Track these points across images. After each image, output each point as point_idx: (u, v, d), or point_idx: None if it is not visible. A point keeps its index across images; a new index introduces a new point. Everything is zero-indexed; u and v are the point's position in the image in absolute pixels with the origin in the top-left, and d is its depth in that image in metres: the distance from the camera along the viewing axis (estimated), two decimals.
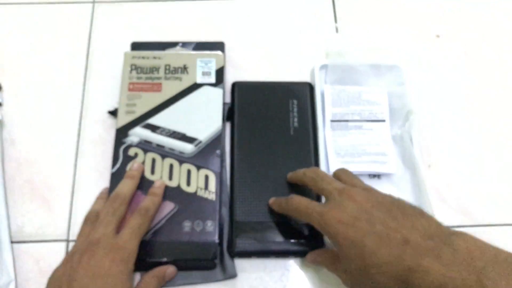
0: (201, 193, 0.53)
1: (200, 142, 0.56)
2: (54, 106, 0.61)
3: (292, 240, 0.52)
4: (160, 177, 0.54)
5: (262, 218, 0.53)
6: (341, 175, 0.50)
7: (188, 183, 0.53)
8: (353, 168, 0.56)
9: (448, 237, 0.40)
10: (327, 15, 0.68)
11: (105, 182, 0.55)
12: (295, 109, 0.59)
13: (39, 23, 0.67)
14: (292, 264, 0.54)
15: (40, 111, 0.61)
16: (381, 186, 0.56)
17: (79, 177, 0.58)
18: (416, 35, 0.67)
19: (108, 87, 0.62)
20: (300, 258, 0.54)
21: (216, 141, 0.56)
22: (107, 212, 0.49)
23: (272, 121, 0.58)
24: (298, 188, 0.54)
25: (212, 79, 0.60)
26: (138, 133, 0.56)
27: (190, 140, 0.56)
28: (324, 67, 0.62)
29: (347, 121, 0.59)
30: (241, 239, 0.52)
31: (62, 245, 0.54)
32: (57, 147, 0.59)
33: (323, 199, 0.49)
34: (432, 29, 0.68)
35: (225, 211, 0.54)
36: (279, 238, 0.52)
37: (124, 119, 0.57)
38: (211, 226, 0.52)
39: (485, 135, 0.61)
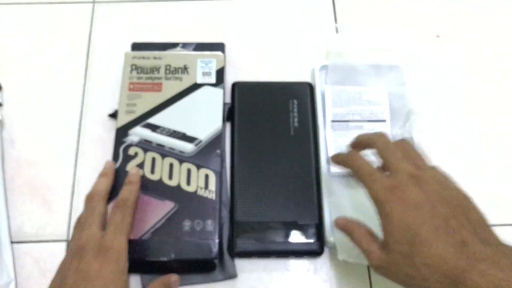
0: (201, 192, 0.53)
1: (200, 141, 0.56)
2: (54, 106, 0.61)
3: (292, 240, 0.52)
4: (160, 177, 0.54)
5: (262, 218, 0.53)
6: (405, 147, 0.47)
7: (188, 183, 0.53)
8: None
9: (505, 247, 0.39)
10: (327, 15, 0.68)
11: None
12: (295, 109, 0.59)
13: (39, 23, 0.67)
14: (292, 264, 0.54)
15: (40, 111, 0.61)
16: None
17: (79, 177, 0.58)
18: (416, 35, 0.67)
19: (108, 87, 0.62)
20: (300, 258, 0.54)
21: (216, 141, 0.56)
22: (86, 214, 0.49)
23: (272, 121, 0.58)
24: (298, 188, 0.54)
25: (213, 79, 0.60)
26: (138, 133, 0.56)
27: (190, 139, 0.56)
28: (324, 67, 0.62)
29: (347, 121, 0.59)
30: (241, 239, 0.52)
31: (62, 245, 0.54)
32: (57, 147, 0.59)
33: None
34: (432, 29, 0.68)
35: (225, 211, 0.54)
36: (279, 238, 0.52)
37: (124, 118, 0.57)
38: (211, 225, 0.52)
39: (485, 135, 0.61)
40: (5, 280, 0.51)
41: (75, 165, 0.58)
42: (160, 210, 0.52)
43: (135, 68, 0.60)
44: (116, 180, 0.53)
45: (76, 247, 0.46)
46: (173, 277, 0.49)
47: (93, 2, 0.68)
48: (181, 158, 0.55)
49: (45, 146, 0.59)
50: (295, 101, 0.60)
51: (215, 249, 0.51)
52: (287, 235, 0.52)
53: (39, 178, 0.57)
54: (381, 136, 0.48)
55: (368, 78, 0.61)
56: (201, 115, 0.57)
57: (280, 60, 0.65)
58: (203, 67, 0.60)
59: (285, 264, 0.54)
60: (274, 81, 0.62)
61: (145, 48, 0.63)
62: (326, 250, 0.53)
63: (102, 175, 0.53)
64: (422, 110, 0.61)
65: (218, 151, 0.55)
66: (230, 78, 0.63)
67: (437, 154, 0.59)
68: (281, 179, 0.55)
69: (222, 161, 0.56)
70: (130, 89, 0.58)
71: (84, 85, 0.63)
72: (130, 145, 0.55)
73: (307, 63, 0.64)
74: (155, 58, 0.60)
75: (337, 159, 0.51)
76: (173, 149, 0.55)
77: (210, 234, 0.51)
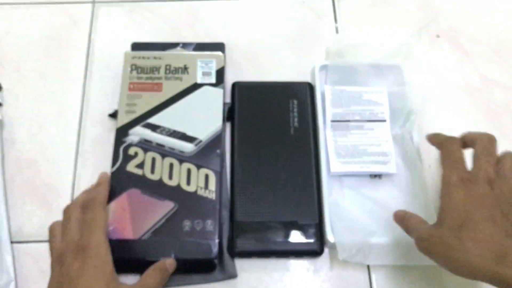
0: (201, 192, 0.53)
1: (200, 141, 0.56)
2: (54, 106, 0.61)
3: (292, 240, 0.52)
4: (160, 176, 0.54)
5: (262, 218, 0.53)
6: (506, 161, 0.47)
7: (188, 182, 0.53)
8: (353, 168, 0.56)
9: None
10: (327, 15, 0.68)
11: None
12: (295, 109, 0.59)
13: (39, 23, 0.67)
14: (292, 264, 0.54)
15: (40, 111, 0.61)
16: (382, 186, 0.56)
17: (79, 177, 0.58)
18: (416, 35, 0.67)
19: (108, 87, 0.62)
20: (300, 258, 0.54)
21: (216, 141, 0.56)
22: (63, 222, 0.49)
23: (272, 121, 0.58)
24: (298, 188, 0.54)
25: (213, 79, 0.60)
26: (138, 132, 0.56)
27: (190, 139, 0.56)
28: (324, 67, 0.62)
29: (347, 121, 0.59)
30: (241, 239, 0.52)
31: None
32: (57, 147, 0.59)
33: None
34: (432, 29, 0.68)
35: (225, 211, 0.54)
36: (279, 238, 0.52)
37: (124, 118, 0.57)
38: (211, 225, 0.52)
39: None
40: (5, 280, 0.51)
41: (75, 165, 0.58)
42: (160, 210, 0.52)
43: (135, 68, 0.60)
44: (116, 179, 0.53)
45: (56, 256, 0.46)
46: (168, 260, 0.49)
47: (93, 2, 0.68)
48: (181, 158, 0.55)
49: (45, 146, 0.59)
50: (295, 101, 0.60)
51: (215, 249, 0.51)
52: (287, 235, 0.52)
53: (39, 178, 0.57)
54: (487, 137, 0.49)
55: (368, 78, 0.61)
56: (201, 115, 0.57)
57: (280, 60, 0.65)
58: (203, 67, 0.60)
59: (285, 264, 0.54)
60: (274, 81, 0.62)
61: (145, 48, 0.63)
62: (326, 250, 0.53)
63: (94, 185, 0.53)
64: (422, 110, 0.61)
65: (218, 151, 0.55)
66: (230, 78, 0.63)
67: (437, 154, 0.59)
68: (281, 179, 0.55)
69: (222, 161, 0.56)
70: (130, 89, 0.58)
71: (84, 85, 0.63)
72: (130, 145, 0.55)
73: (307, 63, 0.64)
74: (155, 58, 0.60)
75: (435, 139, 0.52)
76: (173, 149, 0.55)
77: (210, 234, 0.51)
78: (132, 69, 0.60)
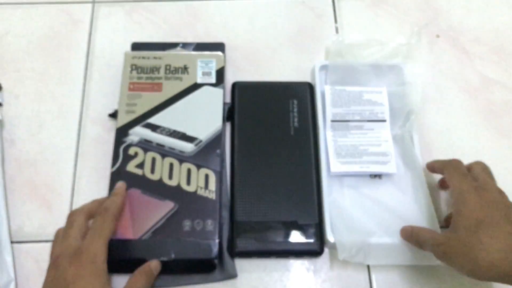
0: (201, 192, 0.53)
1: (200, 141, 0.56)
2: (54, 106, 0.61)
3: (292, 240, 0.52)
4: (160, 176, 0.54)
5: (262, 218, 0.53)
6: (479, 173, 0.50)
7: (188, 182, 0.53)
8: (353, 168, 0.56)
9: None
10: (327, 15, 0.68)
11: (105, 182, 0.55)
12: (295, 109, 0.59)
13: (39, 23, 0.67)
14: (292, 264, 0.54)
15: (40, 111, 0.61)
16: (382, 186, 0.56)
17: (79, 177, 0.58)
18: (416, 35, 0.66)
19: (108, 87, 0.62)
20: (300, 258, 0.54)
21: (216, 141, 0.56)
22: (65, 227, 0.49)
23: (272, 121, 0.58)
24: (298, 188, 0.54)
25: (213, 79, 0.60)
26: (138, 132, 0.56)
27: (190, 139, 0.56)
28: (324, 67, 0.62)
29: (347, 121, 0.59)
30: (241, 239, 0.52)
31: None
32: (57, 147, 0.59)
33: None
34: (432, 29, 0.68)
35: (225, 211, 0.54)
36: (279, 238, 0.52)
37: (124, 118, 0.57)
38: (211, 225, 0.52)
39: (485, 135, 0.61)
40: (5, 280, 0.51)
41: (75, 165, 0.58)
42: (160, 210, 0.52)
43: (135, 68, 0.60)
44: (116, 179, 0.53)
45: (53, 259, 0.47)
46: (153, 263, 0.49)
47: (93, 2, 0.68)
48: (181, 158, 0.55)
49: (45, 146, 0.59)
50: (295, 101, 0.60)
51: (215, 249, 0.51)
52: (287, 235, 0.52)
53: (39, 178, 0.57)
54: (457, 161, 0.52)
55: (368, 78, 0.61)
56: (201, 115, 0.58)
57: (280, 60, 0.65)
58: (203, 67, 0.60)
59: (285, 264, 0.54)
60: (274, 81, 0.62)
61: (145, 48, 0.63)
62: (326, 250, 0.53)
63: (107, 196, 0.53)
64: (422, 110, 0.61)
65: (218, 151, 0.55)
66: (230, 78, 0.63)
67: (437, 154, 0.59)
68: (281, 179, 0.55)
69: (222, 161, 0.56)
70: (130, 89, 0.58)
71: (84, 85, 0.63)
72: (130, 145, 0.55)
73: (307, 63, 0.64)
74: (155, 58, 0.60)
75: (436, 163, 0.54)
76: (173, 149, 0.55)
77: (210, 234, 0.51)
78: (132, 69, 0.60)
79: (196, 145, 0.55)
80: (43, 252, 0.53)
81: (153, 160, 0.55)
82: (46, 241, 0.54)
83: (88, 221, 0.50)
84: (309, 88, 0.61)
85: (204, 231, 0.51)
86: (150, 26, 0.67)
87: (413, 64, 0.63)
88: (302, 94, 0.60)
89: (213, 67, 0.61)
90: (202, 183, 0.54)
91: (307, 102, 0.60)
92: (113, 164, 0.54)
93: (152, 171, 0.54)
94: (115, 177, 0.54)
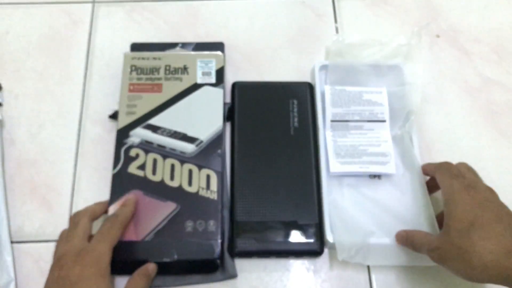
0: (203, 192, 0.53)
1: (201, 142, 0.56)
2: (54, 106, 0.61)
3: (292, 240, 0.52)
4: (161, 178, 0.54)
5: (262, 218, 0.53)
6: (466, 173, 0.50)
7: (190, 183, 0.54)
8: (353, 168, 0.56)
9: None
10: (327, 15, 0.68)
11: (105, 182, 0.55)
12: (295, 109, 0.59)
13: (39, 23, 0.66)
14: (292, 264, 0.54)
15: (40, 111, 0.61)
16: (381, 187, 0.56)
17: (79, 177, 0.58)
18: (416, 35, 0.67)
19: (108, 88, 0.62)
20: (300, 258, 0.54)
21: (217, 141, 0.56)
22: (69, 228, 0.49)
23: (272, 121, 0.58)
24: (298, 188, 0.54)
25: (212, 79, 0.60)
26: (139, 134, 0.56)
27: (191, 140, 0.56)
28: (324, 67, 0.62)
29: (347, 121, 0.59)
30: (241, 239, 0.52)
31: None
32: (57, 147, 0.59)
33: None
34: (432, 29, 0.68)
35: (225, 211, 0.54)
36: (279, 238, 0.52)
37: (125, 120, 0.57)
38: (213, 225, 0.52)
39: (486, 135, 0.61)
40: (5, 280, 0.51)
41: (75, 165, 0.58)
42: (162, 211, 0.52)
43: (134, 69, 0.60)
44: (118, 181, 0.54)
45: (56, 258, 0.47)
46: (150, 266, 0.50)
47: (93, 2, 0.68)
48: (182, 158, 0.55)
49: (45, 146, 0.59)
50: (295, 101, 0.60)
51: (217, 249, 0.51)
52: (287, 235, 0.52)
53: (39, 178, 0.57)
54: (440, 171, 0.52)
55: (368, 78, 0.61)
56: (202, 115, 0.58)
57: (280, 60, 0.65)
58: (203, 67, 0.60)
59: (285, 264, 0.54)
60: (274, 81, 0.62)
61: (144, 49, 0.63)
62: (326, 250, 0.54)
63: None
64: (422, 110, 0.61)
65: (219, 151, 0.55)
66: (230, 78, 0.63)
67: (437, 154, 0.59)
68: (281, 179, 0.55)
69: (223, 161, 0.56)
70: (130, 90, 0.58)
71: (84, 85, 0.63)
72: (131, 147, 0.55)
73: (307, 63, 0.64)
74: (154, 58, 0.60)
75: (428, 166, 0.54)
76: (174, 149, 0.55)
77: (212, 234, 0.51)
78: (132, 70, 0.59)
79: (197, 145, 0.55)
80: (43, 252, 0.54)
81: (155, 161, 0.55)
82: (46, 241, 0.54)
83: (92, 223, 0.50)
84: (309, 88, 0.61)
85: (206, 231, 0.51)
86: (150, 26, 0.67)
87: (413, 64, 0.63)
88: (302, 94, 0.60)
89: (213, 67, 0.61)
90: (203, 183, 0.54)
91: (307, 102, 0.60)
92: (115, 166, 0.54)
93: (154, 172, 0.54)
94: (116, 179, 0.54)
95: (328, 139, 0.58)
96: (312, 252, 0.52)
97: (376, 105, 0.60)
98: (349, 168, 0.56)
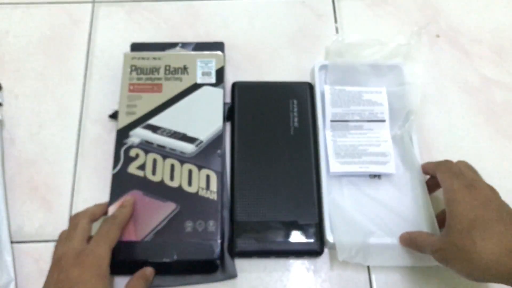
0: (202, 193, 0.53)
1: (201, 142, 0.56)
2: (54, 106, 0.61)
3: (292, 240, 0.52)
4: (161, 178, 0.54)
5: (262, 218, 0.53)
6: (466, 171, 0.50)
7: (190, 183, 0.53)
8: (353, 168, 0.56)
9: None
10: (327, 15, 0.68)
11: (105, 183, 0.55)
12: (295, 109, 0.59)
13: (39, 23, 0.66)
14: (292, 264, 0.54)
15: (40, 111, 0.61)
16: (381, 187, 0.56)
17: (79, 177, 0.58)
18: (416, 35, 0.67)
19: (108, 88, 0.62)
20: (300, 258, 0.54)
21: (217, 141, 0.56)
22: (69, 229, 0.49)
23: (272, 121, 0.58)
24: (298, 188, 0.54)
25: (212, 79, 0.60)
26: (139, 134, 0.56)
27: (191, 140, 0.56)
28: (324, 67, 0.62)
29: (347, 121, 0.59)
30: (241, 239, 0.52)
31: None
32: (57, 147, 0.59)
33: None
34: (432, 29, 0.68)
35: (225, 211, 0.54)
36: (279, 238, 0.52)
37: (124, 120, 0.57)
38: (213, 226, 0.52)
39: (486, 135, 0.61)
40: (5, 280, 0.51)
41: (75, 165, 0.58)
42: (162, 211, 0.52)
43: (134, 69, 0.60)
44: (117, 181, 0.54)
45: (55, 259, 0.47)
46: (148, 269, 0.50)
47: (93, 2, 0.68)
48: (182, 159, 0.55)
49: (45, 146, 0.59)
50: (295, 101, 0.60)
51: (217, 249, 0.51)
52: (287, 235, 0.52)
53: (39, 178, 0.57)
54: (441, 169, 0.51)
55: (368, 78, 0.61)
56: (202, 115, 0.57)
57: (280, 60, 0.65)
58: (202, 67, 0.60)
59: (285, 264, 0.54)
60: (274, 81, 0.62)
61: (144, 49, 0.63)
62: (326, 250, 0.54)
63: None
64: (422, 110, 0.61)
65: (219, 151, 0.55)
66: (230, 78, 0.63)
67: (437, 154, 0.59)
68: (281, 179, 0.55)
69: (223, 161, 0.56)
70: (130, 90, 0.58)
71: (84, 85, 0.63)
72: (131, 147, 0.55)
73: (307, 63, 0.64)
74: (154, 58, 0.60)
75: (427, 165, 0.54)
76: (174, 150, 0.55)
77: (212, 234, 0.51)
78: (131, 70, 0.59)
79: (197, 145, 0.55)
80: (43, 252, 0.54)
81: (154, 161, 0.55)
82: (46, 241, 0.54)
83: (91, 224, 0.50)
84: (309, 88, 0.61)
85: (206, 231, 0.51)
86: (150, 26, 0.67)
87: (413, 64, 0.63)
88: (302, 94, 0.60)
89: (213, 67, 0.60)
90: (203, 183, 0.54)
91: (307, 102, 0.60)
92: (114, 166, 0.54)
93: (154, 172, 0.54)
94: (116, 179, 0.54)
95: (328, 139, 0.58)
96: (312, 252, 0.52)
97: (376, 105, 0.60)
98: (349, 168, 0.56)
